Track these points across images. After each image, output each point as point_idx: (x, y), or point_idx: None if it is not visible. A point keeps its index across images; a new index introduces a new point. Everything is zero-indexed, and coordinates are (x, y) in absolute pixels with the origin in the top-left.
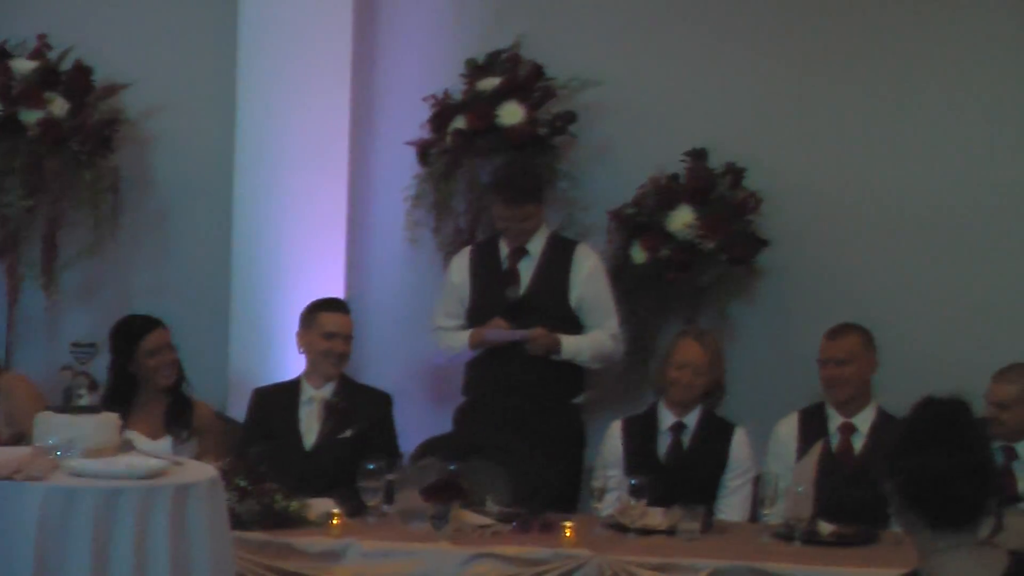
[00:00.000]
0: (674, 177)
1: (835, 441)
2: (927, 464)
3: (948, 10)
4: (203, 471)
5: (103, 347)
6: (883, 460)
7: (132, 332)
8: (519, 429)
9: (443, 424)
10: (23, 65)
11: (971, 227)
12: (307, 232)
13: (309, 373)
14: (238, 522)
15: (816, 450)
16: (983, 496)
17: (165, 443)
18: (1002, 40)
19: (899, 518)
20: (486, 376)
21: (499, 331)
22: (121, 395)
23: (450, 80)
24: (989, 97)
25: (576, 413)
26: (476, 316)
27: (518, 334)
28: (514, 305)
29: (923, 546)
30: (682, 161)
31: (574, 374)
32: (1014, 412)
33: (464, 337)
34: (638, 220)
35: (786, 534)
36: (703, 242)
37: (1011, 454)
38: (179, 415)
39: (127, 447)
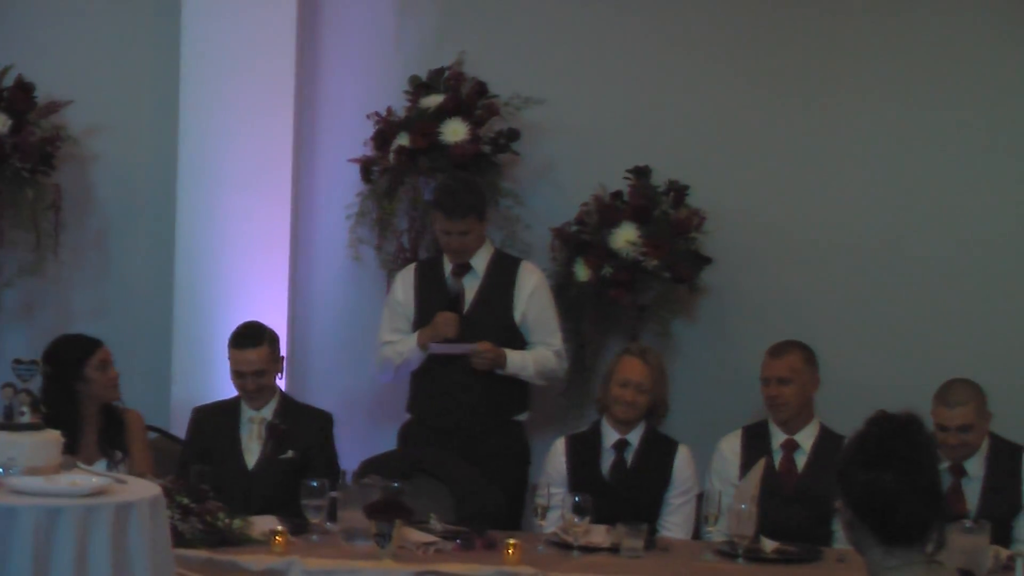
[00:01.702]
0: (617, 195)
1: (778, 458)
2: (880, 481)
3: (893, 32)
4: (145, 489)
5: None
6: (834, 475)
7: (77, 352)
8: (463, 447)
9: (386, 442)
10: None
11: (912, 248)
12: (250, 250)
13: None
14: (181, 540)
15: (759, 467)
16: (934, 513)
17: (100, 466)
18: (948, 63)
19: (848, 535)
20: (430, 393)
21: (445, 345)
22: (63, 415)
23: (393, 97)
24: (933, 119)
25: (520, 430)
26: None
27: (464, 347)
28: (456, 300)
29: (873, 564)
30: (625, 179)
31: (518, 391)
32: (975, 430)
33: (411, 341)
34: (581, 238)
35: (729, 551)
36: (646, 260)
37: (960, 471)
38: (112, 436)
39: (69, 465)
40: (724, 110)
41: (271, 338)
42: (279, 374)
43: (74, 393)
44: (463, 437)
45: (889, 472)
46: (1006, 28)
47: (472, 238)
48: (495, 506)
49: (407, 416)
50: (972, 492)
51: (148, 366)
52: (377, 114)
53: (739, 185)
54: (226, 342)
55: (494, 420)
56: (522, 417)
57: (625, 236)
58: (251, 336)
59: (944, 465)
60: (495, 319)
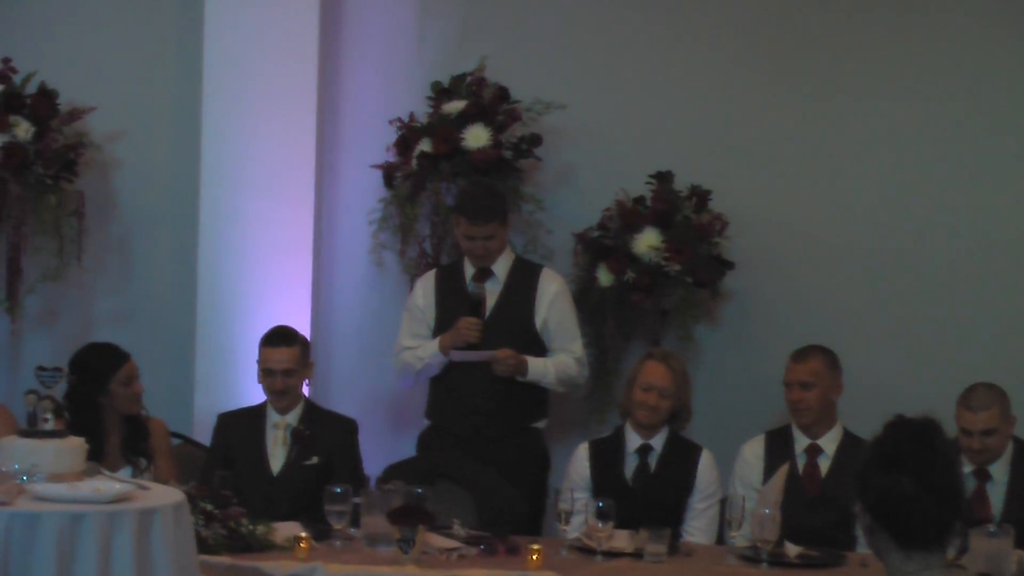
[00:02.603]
0: (639, 200)
1: (801, 463)
2: (897, 484)
3: (915, 35)
4: (169, 495)
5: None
6: (853, 479)
7: (104, 365)
8: (481, 453)
9: (407, 448)
10: None
11: (934, 251)
12: (272, 256)
13: None
14: (204, 546)
15: (782, 472)
16: (952, 517)
17: (124, 473)
18: (969, 66)
19: (868, 539)
20: (449, 400)
21: (466, 352)
22: (86, 422)
23: (415, 103)
24: (956, 122)
25: (539, 437)
26: None
27: (485, 354)
28: (478, 305)
29: (893, 569)
30: (647, 184)
31: (537, 399)
32: (1000, 434)
33: (433, 346)
34: (603, 243)
35: (752, 556)
36: (669, 264)
37: (985, 476)
38: (137, 444)
39: (93, 471)
40: (746, 115)
41: (303, 342)
42: (307, 380)
43: (97, 404)
44: (481, 443)
45: (906, 475)
46: None
47: (495, 243)
48: (515, 511)
49: (426, 422)
50: (996, 496)
51: (171, 372)
52: (400, 120)
53: (761, 190)
54: (248, 349)
55: (512, 427)
56: (540, 424)
57: (648, 241)
58: (284, 336)
59: (969, 469)
60: (516, 325)
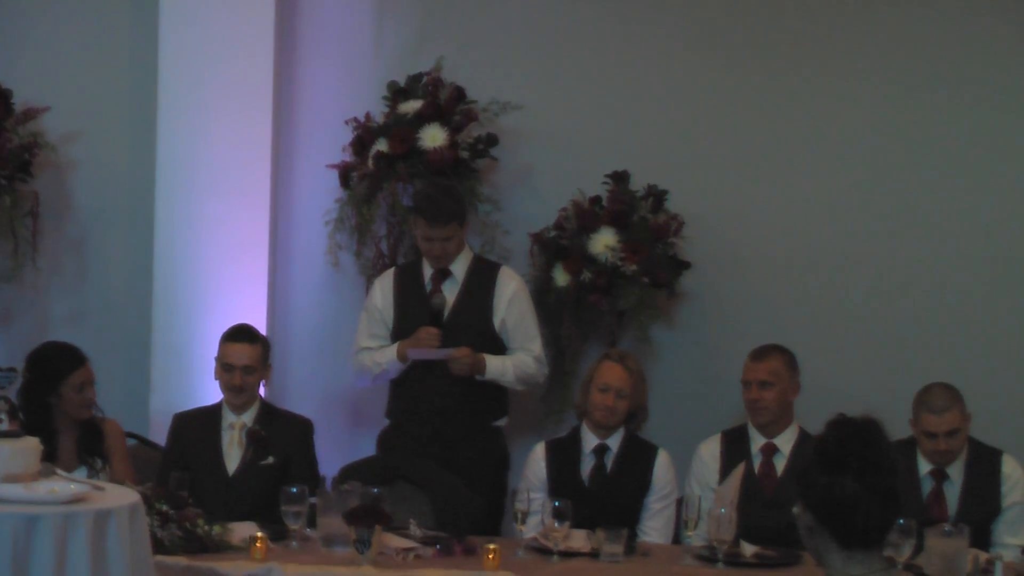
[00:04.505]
0: (596, 200)
1: (757, 462)
2: (839, 484)
3: (874, 39)
4: (124, 496)
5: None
6: (796, 478)
7: (59, 366)
8: (442, 452)
9: (365, 448)
10: None
11: (890, 253)
12: (228, 256)
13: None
14: (160, 547)
15: (739, 472)
16: (893, 517)
17: (79, 474)
18: (926, 68)
19: (807, 541)
20: (409, 399)
21: (424, 350)
22: (38, 422)
23: (372, 103)
24: (913, 123)
25: (499, 436)
26: (401, 338)
27: (443, 352)
28: (437, 315)
29: (833, 571)
30: (604, 184)
31: (497, 397)
32: (961, 437)
33: (391, 352)
34: (560, 243)
35: (709, 556)
36: (625, 265)
37: (942, 476)
38: (91, 445)
39: (48, 472)
40: (703, 115)
41: (264, 342)
42: (264, 381)
43: (48, 404)
44: (442, 443)
45: (848, 475)
46: (997, 31)
47: (453, 244)
48: (473, 512)
49: (386, 422)
50: (952, 497)
51: (127, 373)
52: (356, 120)
53: (717, 190)
54: (204, 349)
55: (473, 426)
56: (501, 423)
57: (604, 241)
58: (247, 333)
59: (925, 470)
60: (474, 325)
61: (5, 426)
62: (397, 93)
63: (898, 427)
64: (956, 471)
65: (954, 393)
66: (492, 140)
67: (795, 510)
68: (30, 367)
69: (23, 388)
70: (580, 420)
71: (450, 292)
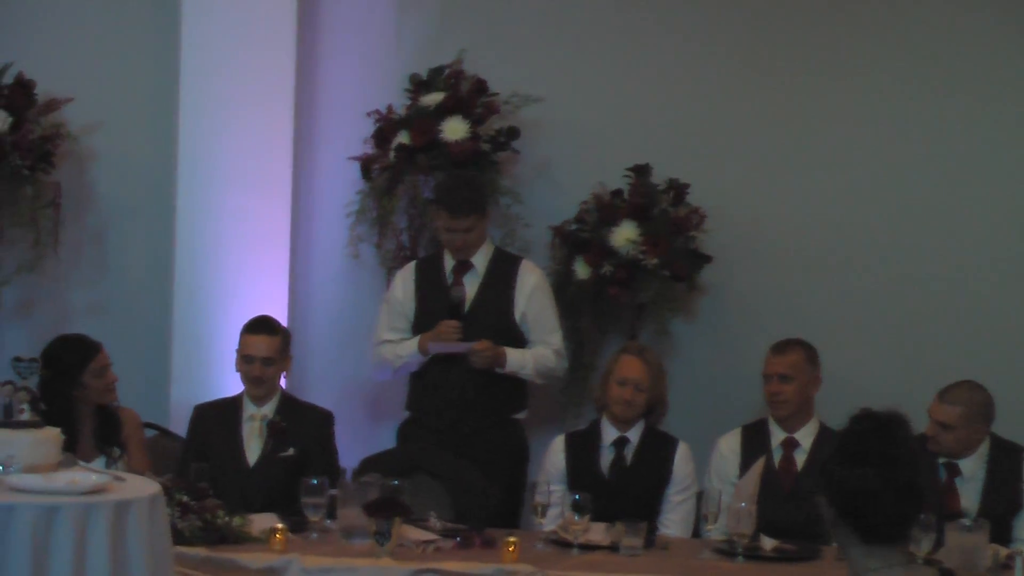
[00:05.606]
0: (617, 193)
1: (777, 457)
2: (860, 479)
3: (895, 30)
4: (145, 487)
5: None
6: (819, 471)
7: (76, 359)
8: (461, 445)
9: (385, 440)
10: None
11: (912, 247)
12: (250, 248)
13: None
14: (180, 538)
15: (758, 466)
16: (914, 512)
17: (98, 463)
18: (949, 61)
19: (833, 532)
20: (429, 391)
21: (444, 343)
22: (59, 414)
23: (393, 95)
24: (936, 119)
25: (519, 429)
26: (422, 330)
27: (463, 346)
28: (457, 307)
29: (855, 564)
30: (625, 177)
31: (517, 390)
32: (957, 433)
33: (412, 345)
34: (580, 236)
35: (728, 550)
36: (646, 258)
37: (954, 470)
38: (109, 433)
39: (69, 462)
40: (725, 108)
41: (285, 334)
42: (284, 373)
43: (71, 395)
44: (461, 435)
45: (869, 469)
46: (1011, 21)
47: (474, 236)
48: (490, 506)
49: (406, 414)
50: (973, 492)
51: (147, 364)
52: (377, 112)
53: (739, 184)
54: (225, 341)
55: (492, 418)
56: (521, 415)
57: (625, 234)
58: (267, 324)
59: (940, 461)
60: (495, 317)
61: (27, 416)
62: (419, 85)
63: (919, 421)
64: (975, 466)
65: (970, 395)
66: (513, 133)
67: (819, 502)
68: (47, 364)
69: (42, 383)
70: (599, 413)
71: (471, 285)
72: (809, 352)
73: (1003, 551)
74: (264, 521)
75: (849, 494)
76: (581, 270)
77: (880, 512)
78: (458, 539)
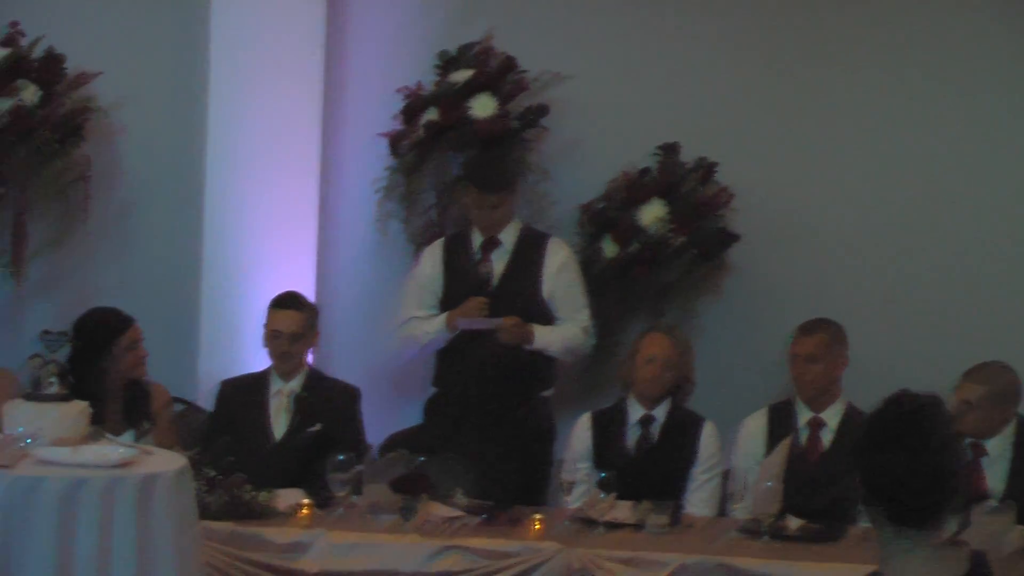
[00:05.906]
0: (645, 171)
1: (803, 436)
2: (889, 462)
3: (925, 12)
4: (172, 461)
5: None
6: (851, 452)
7: (108, 330)
8: (488, 421)
9: (411, 416)
10: None
11: (940, 226)
12: (278, 224)
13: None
14: (206, 512)
15: (784, 445)
16: (944, 498)
17: (126, 437)
18: (976, 48)
19: (867, 511)
20: (456, 367)
21: (472, 319)
22: (88, 387)
23: (422, 72)
24: (963, 99)
25: (546, 406)
26: (450, 307)
27: (491, 322)
28: (485, 284)
29: (885, 544)
30: (653, 156)
31: (544, 367)
32: (980, 412)
33: (439, 321)
34: (608, 214)
35: (754, 529)
36: (674, 237)
37: (980, 450)
38: (139, 407)
39: (97, 435)
40: (754, 87)
41: (312, 309)
42: (312, 348)
43: (101, 368)
44: (488, 412)
45: (899, 453)
46: None
47: (503, 212)
48: (515, 485)
49: (432, 390)
50: (999, 473)
51: (175, 339)
52: (406, 88)
53: (767, 163)
54: (253, 316)
55: (520, 396)
56: (548, 393)
57: (653, 213)
58: (294, 300)
59: (967, 441)
60: (523, 294)
61: (55, 390)
62: (448, 62)
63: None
64: (1002, 446)
65: (996, 376)
66: (542, 111)
67: (855, 483)
68: (78, 334)
69: (73, 356)
70: (625, 392)
71: (499, 261)
72: (837, 332)
73: None
74: (290, 496)
75: (879, 477)
76: (608, 248)
77: (911, 497)
78: (484, 516)
